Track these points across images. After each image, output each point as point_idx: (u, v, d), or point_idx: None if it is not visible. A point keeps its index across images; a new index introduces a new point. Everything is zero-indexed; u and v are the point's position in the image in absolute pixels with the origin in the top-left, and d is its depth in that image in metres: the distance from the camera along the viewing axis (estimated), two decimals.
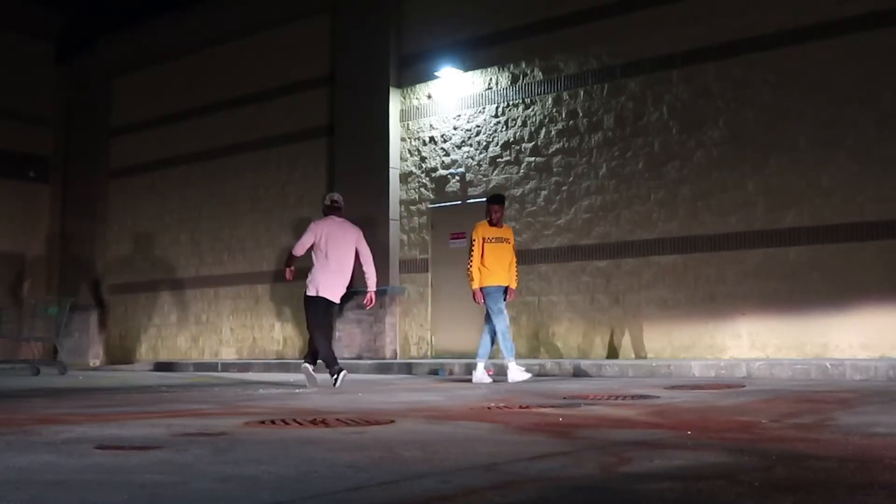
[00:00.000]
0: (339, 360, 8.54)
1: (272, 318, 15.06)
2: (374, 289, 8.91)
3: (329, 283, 8.59)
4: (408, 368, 11.52)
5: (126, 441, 3.85)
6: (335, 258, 8.61)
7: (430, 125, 13.67)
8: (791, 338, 10.22)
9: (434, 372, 11.02)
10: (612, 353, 11.44)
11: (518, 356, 12.11)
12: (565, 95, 12.27)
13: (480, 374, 8.89)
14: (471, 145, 13.15)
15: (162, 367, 14.71)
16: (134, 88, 18.20)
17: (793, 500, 2.42)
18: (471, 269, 9.03)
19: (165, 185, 17.32)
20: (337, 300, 8.74)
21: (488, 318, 9.06)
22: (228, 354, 15.72)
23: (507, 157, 12.74)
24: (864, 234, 9.90)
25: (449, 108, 13.48)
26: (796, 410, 5.09)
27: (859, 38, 10.08)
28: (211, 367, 14.06)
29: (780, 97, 10.56)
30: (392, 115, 13.90)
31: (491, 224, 9.20)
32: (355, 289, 13.76)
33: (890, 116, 9.87)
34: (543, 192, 12.26)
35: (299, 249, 8.74)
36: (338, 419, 4.71)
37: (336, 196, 9.08)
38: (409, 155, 13.86)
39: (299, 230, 14.69)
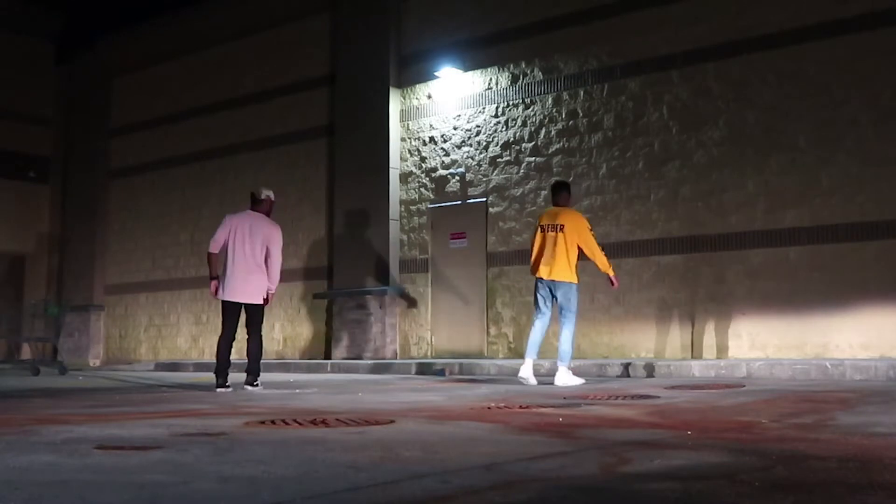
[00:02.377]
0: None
1: (272, 318, 15.03)
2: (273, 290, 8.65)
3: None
4: (408, 368, 11.51)
5: (126, 441, 3.84)
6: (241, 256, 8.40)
7: (430, 125, 13.66)
8: (791, 338, 10.22)
9: (434, 372, 11.01)
10: (613, 352, 11.43)
11: (517, 356, 12.13)
12: (565, 95, 12.26)
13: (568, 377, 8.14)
14: (471, 145, 13.15)
15: (162, 367, 14.70)
16: (134, 88, 18.20)
17: (793, 500, 2.42)
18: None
19: (165, 185, 17.32)
20: (249, 301, 8.54)
21: (563, 316, 8.37)
22: None
23: (507, 157, 12.73)
24: (864, 234, 9.90)
25: (449, 108, 13.48)
26: (796, 410, 5.09)
27: (859, 38, 10.07)
28: (211, 367, 13.98)
29: (780, 97, 10.56)
30: (392, 115, 13.90)
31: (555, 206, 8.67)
32: (352, 289, 13.86)
33: (890, 116, 9.87)
34: (543, 192, 12.24)
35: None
36: (338, 419, 4.71)
37: (260, 189, 8.95)
38: (409, 155, 13.86)
39: (298, 230, 14.79)
